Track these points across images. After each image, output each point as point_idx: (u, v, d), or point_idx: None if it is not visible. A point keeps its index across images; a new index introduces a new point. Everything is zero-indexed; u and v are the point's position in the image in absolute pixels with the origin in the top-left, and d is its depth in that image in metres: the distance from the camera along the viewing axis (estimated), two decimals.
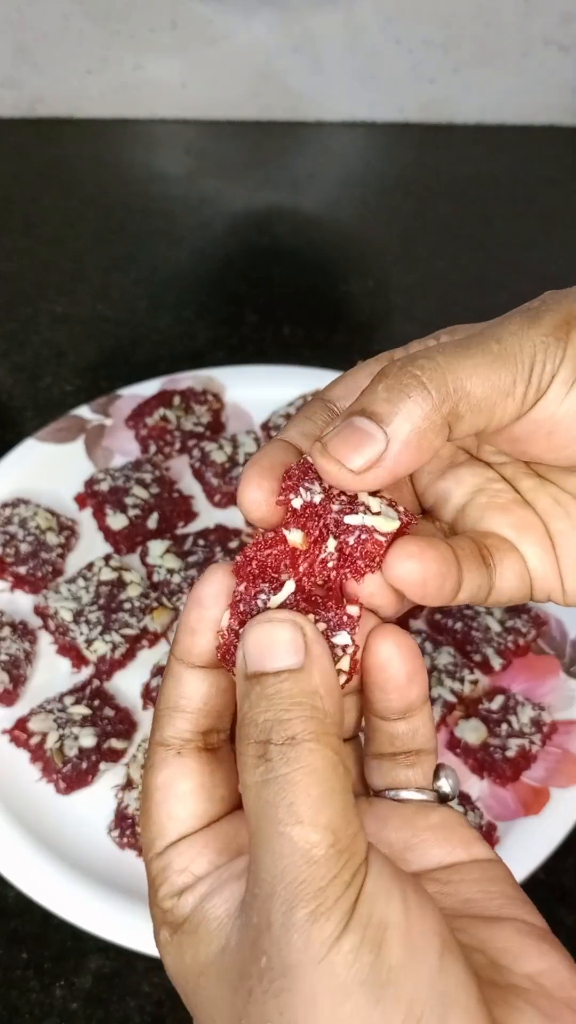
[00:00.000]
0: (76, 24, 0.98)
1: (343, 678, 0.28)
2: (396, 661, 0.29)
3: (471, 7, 0.97)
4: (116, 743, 0.55)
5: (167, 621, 0.61)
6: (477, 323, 0.31)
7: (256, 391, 0.74)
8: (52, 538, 0.64)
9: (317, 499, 0.28)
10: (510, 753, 0.54)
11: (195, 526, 0.67)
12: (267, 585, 0.28)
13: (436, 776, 0.31)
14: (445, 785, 0.31)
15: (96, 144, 1.04)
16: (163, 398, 0.72)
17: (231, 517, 0.68)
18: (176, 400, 0.72)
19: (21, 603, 0.62)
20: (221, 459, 0.69)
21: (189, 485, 0.69)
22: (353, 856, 0.24)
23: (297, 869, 0.23)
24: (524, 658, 0.60)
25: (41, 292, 0.87)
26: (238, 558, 0.28)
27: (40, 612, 0.61)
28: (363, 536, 0.28)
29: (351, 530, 0.28)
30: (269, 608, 0.27)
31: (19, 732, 0.55)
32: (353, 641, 0.28)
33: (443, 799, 0.31)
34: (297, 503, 0.28)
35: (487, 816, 0.53)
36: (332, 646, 0.27)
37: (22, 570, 0.62)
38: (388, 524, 0.28)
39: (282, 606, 0.27)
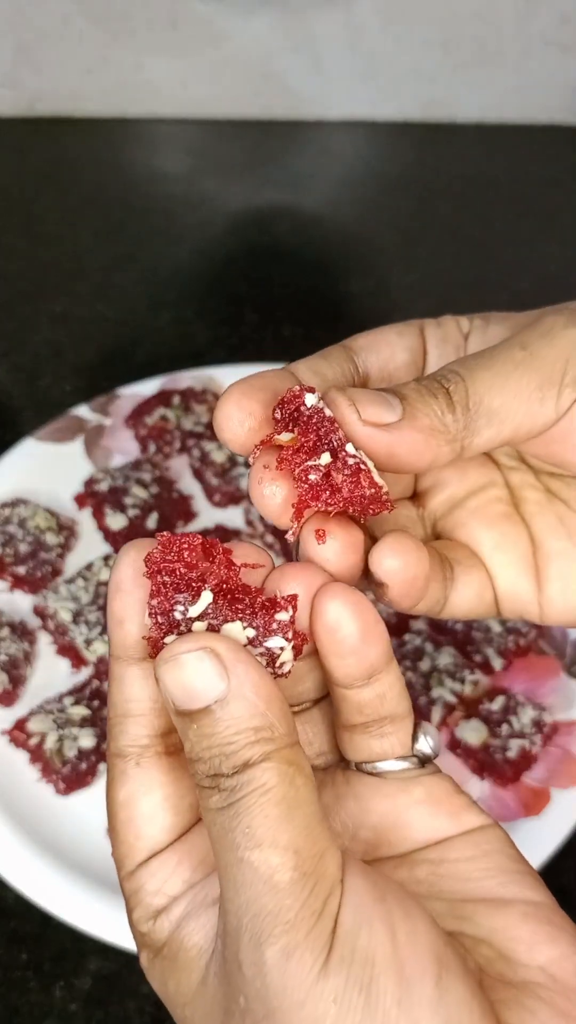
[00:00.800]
0: (76, 23, 0.98)
1: (287, 667, 0.26)
2: (346, 620, 0.26)
3: (471, 7, 0.97)
4: None
5: None
6: (514, 313, 0.32)
7: None
8: (51, 538, 0.64)
9: (328, 412, 0.26)
10: (511, 754, 0.54)
11: (195, 526, 0.67)
12: (183, 595, 0.25)
13: (414, 737, 0.29)
14: (425, 745, 0.29)
15: (96, 143, 1.04)
16: (163, 398, 0.72)
17: (231, 517, 0.68)
18: (176, 400, 0.72)
19: (20, 603, 0.62)
20: (221, 459, 0.68)
21: (189, 485, 0.69)
22: (322, 879, 0.22)
23: (261, 899, 0.21)
24: (525, 659, 0.60)
25: (40, 291, 0.87)
26: (145, 560, 0.25)
27: (39, 612, 0.60)
28: (361, 467, 0.26)
29: (349, 456, 0.26)
30: (190, 618, 0.25)
31: (18, 733, 0.55)
32: (289, 639, 0.25)
33: (425, 760, 0.29)
34: (311, 400, 0.26)
35: None
36: (266, 649, 0.25)
37: (21, 570, 0.62)
38: (381, 480, 0.26)
39: (203, 616, 0.25)
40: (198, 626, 0.25)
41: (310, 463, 0.26)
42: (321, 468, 0.26)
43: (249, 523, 0.67)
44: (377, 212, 0.98)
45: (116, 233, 0.94)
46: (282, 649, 0.25)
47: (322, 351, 0.30)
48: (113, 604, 0.26)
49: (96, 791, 0.54)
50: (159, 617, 0.25)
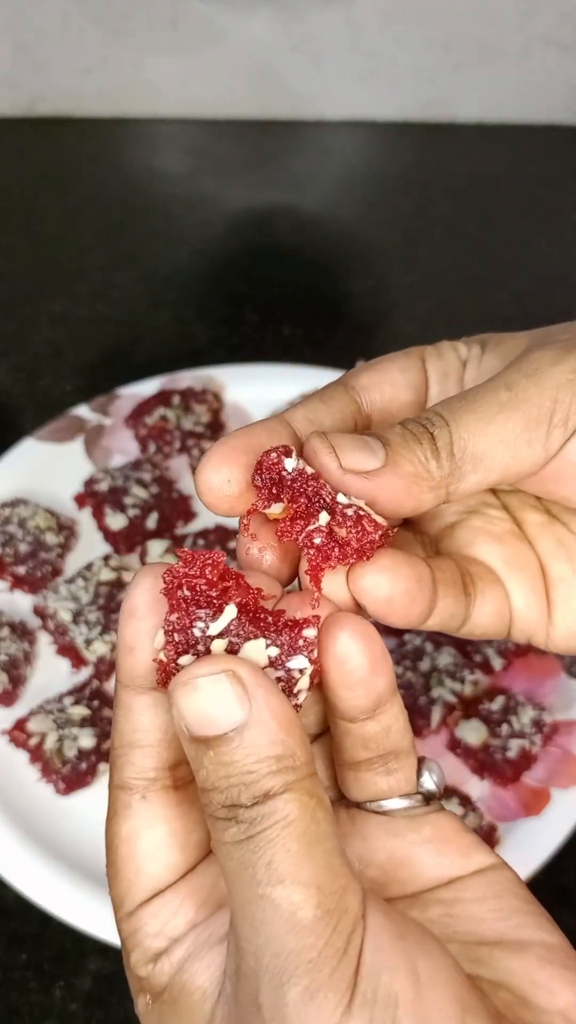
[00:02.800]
0: (76, 23, 0.98)
1: (303, 696, 0.25)
2: (356, 651, 0.25)
3: (471, 6, 0.97)
4: None
5: None
6: (509, 336, 0.30)
7: (256, 390, 0.74)
8: (51, 538, 0.64)
9: (309, 470, 0.26)
10: (511, 754, 0.54)
11: (194, 526, 0.67)
12: (204, 611, 0.24)
13: (419, 774, 0.28)
14: (429, 782, 0.28)
15: (96, 143, 1.04)
16: (162, 398, 0.72)
17: (230, 517, 0.67)
18: (176, 400, 0.72)
19: (20, 603, 0.62)
20: None
21: (188, 485, 0.69)
22: (344, 915, 0.21)
23: (283, 938, 0.21)
24: (525, 658, 0.60)
25: (40, 291, 0.87)
26: (165, 576, 0.24)
27: (39, 612, 0.60)
28: (360, 513, 0.25)
29: (345, 507, 0.25)
30: (209, 636, 0.24)
31: (18, 733, 0.55)
32: (311, 662, 0.24)
33: (430, 797, 0.28)
34: (290, 464, 0.25)
35: (487, 817, 0.53)
36: (288, 671, 0.24)
37: (21, 570, 0.62)
38: (380, 517, 0.26)
39: (224, 633, 0.24)
40: (218, 645, 0.24)
41: (310, 528, 0.26)
42: (323, 529, 0.25)
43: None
44: (377, 212, 0.98)
45: (116, 233, 0.94)
46: (302, 672, 0.24)
47: (322, 392, 0.29)
48: (125, 630, 0.25)
49: (96, 791, 0.54)
50: (176, 635, 0.24)
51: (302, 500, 0.25)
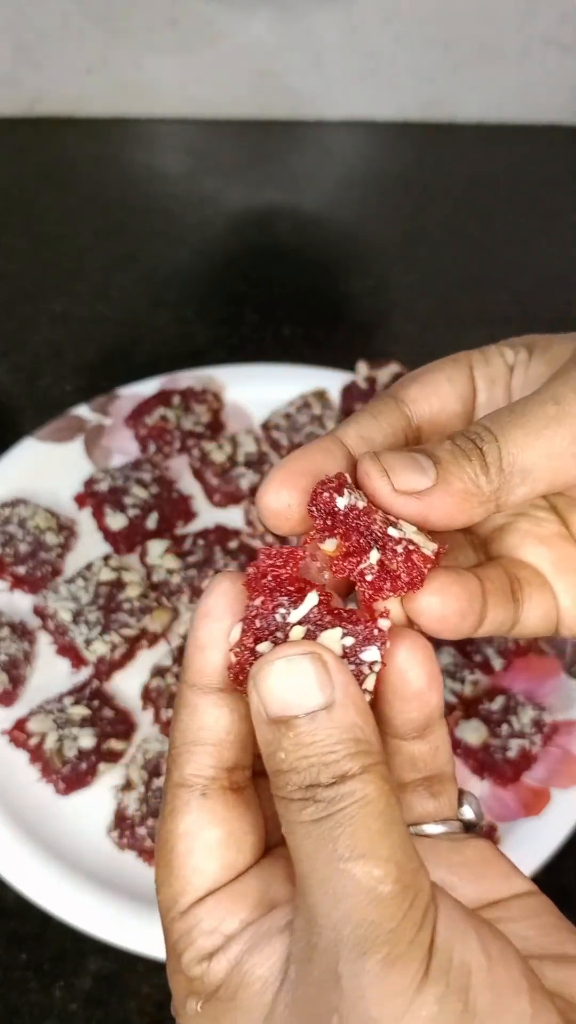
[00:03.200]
0: (76, 23, 0.98)
1: (368, 697, 0.25)
2: (414, 664, 0.26)
3: (471, 6, 0.97)
4: (115, 744, 0.55)
5: (166, 621, 0.61)
6: (557, 338, 0.31)
7: (256, 390, 0.74)
8: (51, 538, 0.64)
9: (361, 504, 0.27)
10: (511, 754, 0.54)
11: (194, 526, 0.67)
12: (286, 598, 0.25)
13: (459, 803, 0.28)
14: (468, 811, 0.28)
15: (96, 143, 1.04)
16: (162, 398, 0.72)
17: (231, 517, 0.68)
18: (176, 400, 0.72)
19: (20, 603, 0.62)
20: (221, 459, 0.68)
21: (188, 485, 0.69)
22: (420, 892, 0.22)
23: (363, 910, 0.21)
24: (525, 658, 0.60)
25: (40, 291, 0.87)
26: (250, 569, 0.26)
27: (39, 612, 0.60)
28: (410, 548, 0.27)
29: (395, 543, 0.27)
30: (289, 623, 0.25)
31: (18, 733, 0.55)
32: (382, 657, 0.25)
33: (468, 827, 0.28)
34: (342, 503, 0.26)
35: (488, 817, 0.53)
36: (359, 663, 0.25)
37: (21, 570, 0.62)
38: (428, 545, 0.27)
39: (304, 620, 0.25)
40: (296, 632, 0.25)
41: (363, 566, 0.26)
42: (375, 567, 0.26)
43: (249, 523, 0.67)
44: (377, 212, 0.98)
45: (116, 233, 0.94)
46: (371, 667, 0.25)
47: (372, 406, 0.30)
48: (199, 630, 0.26)
49: (95, 791, 0.54)
50: (258, 620, 0.25)
51: (354, 537, 0.26)
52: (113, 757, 0.55)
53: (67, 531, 0.65)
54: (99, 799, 0.54)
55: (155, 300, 0.87)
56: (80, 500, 0.67)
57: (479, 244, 0.94)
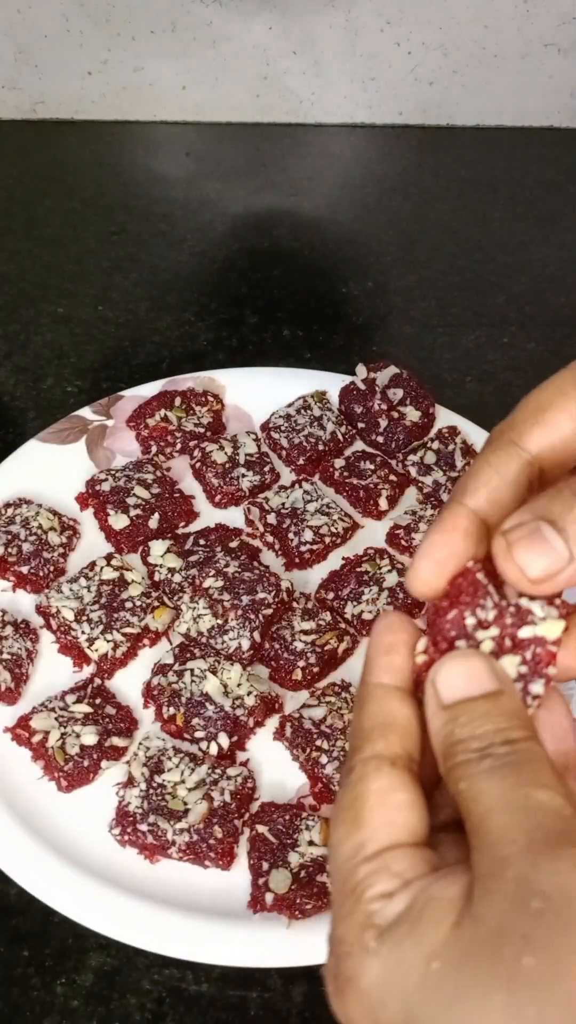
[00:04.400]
0: (77, 26, 0.99)
1: None
2: (561, 705, 0.30)
3: (470, 9, 0.98)
4: (117, 741, 0.55)
5: (168, 620, 0.61)
6: None
7: (256, 392, 0.74)
8: (54, 538, 0.64)
9: (491, 616, 0.29)
10: None
11: (196, 526, 0.68)
12: (483, 601, 0.29)
13: None
14: None
15: (97, 146, 1.05)
16: (164, 399, 0.72)
17: (231, 517, 0.68)
18: (177, 401, 0.72)
19: (23, 602, 0.63)
20: (222, 459, 0.69)
21: (190, 485, 0.70)
22: None
23: (552, 821, 0.24)
24: None
25: (43, 293, 0.88)
26: (452, 579, 0.29)
27: (42, 611, 0.61)
28: (537, 650, 0.29)
29: (526, 644, 0.29)
30: (478, 639, 0.29)
31: (21, 730, 0.55)
32: (544, 691, 0.29)
33: None
34: (471, 621, 0.29)
35: None
36: (526, 692, 0.29)
37: (24, 570, 0.62)
38: (554, 629, 0.29)
39: (494, 623, 0.29)
40: (486, 646, 0.29)
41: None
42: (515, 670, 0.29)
43: (249, 523, 0.67)
44: (376, 215, 0.98)
45: (117, 236, 0.95)
46: (536, 699, 0.29)
47: (490, 455, 0.31)
48: (384, 636, 0.30)
49: (98, 788, 0.55)
50: (452, 631, 0.29)
51: (494, 648, 0.29)
52: (115, 754, 0.55)
53: (70, 531, 0.65)
54: (101, 796, 0.54)
55: (156, 302, 0.87)
56: (83, 500, 0.68)
57: (477, 246, 0.94)
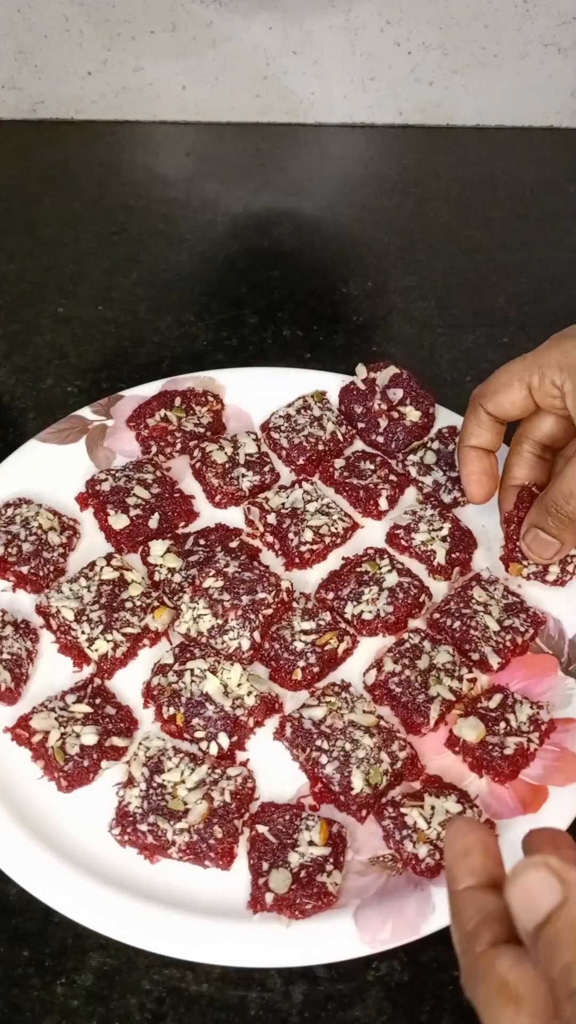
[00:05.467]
0: (77, 26, 0.99)
1: None
2: None
3: (470, 9, 0.98)
4: (117, 741, 0.55)
5: (168, 620, 0.61)
6: None
7: (256, 392, 0.75)
8: (54, 538, 0.64)
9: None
10: (508, 751, 0.54)
11: (196, 526, 0.68)
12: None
13: None
14: None
15: (97, 146, 1.05)
16: (164, 399, 0.72)
17: (231, 517, 0.68)
18: (177, 401, 0.72)
19: (23, 602, 0.63)
20: (222, 459, 0.69)
21: (190, 485, 0.70)
22: None
23: None
24: (522, 657, 0.61)
25: (42, 293, 0.88)
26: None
27: (42, 611, 0.61)
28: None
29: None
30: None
31: (21, 730, 0.56)
32: None
33: None
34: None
35: (486, 814, 0.53)
36: None
37: (24, 570, 0.63)
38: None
39: None
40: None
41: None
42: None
43: (249, 523, 0.67)
44: (376, 215, 0.98)
45: (117, 236, 0.95)
46: None
47: (474, 419, 0.46)
48: (457, 841, 0.36)
49: (98, 788, 0.55)
50: None
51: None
52: (115, 754, 0.56)
53: (70, 531, 0.66)
54: (101, 796, 0.54)
55: (156, 302, 0.87)
56: (82, 500, 0.68)
57: (477, 246, 0.94)
